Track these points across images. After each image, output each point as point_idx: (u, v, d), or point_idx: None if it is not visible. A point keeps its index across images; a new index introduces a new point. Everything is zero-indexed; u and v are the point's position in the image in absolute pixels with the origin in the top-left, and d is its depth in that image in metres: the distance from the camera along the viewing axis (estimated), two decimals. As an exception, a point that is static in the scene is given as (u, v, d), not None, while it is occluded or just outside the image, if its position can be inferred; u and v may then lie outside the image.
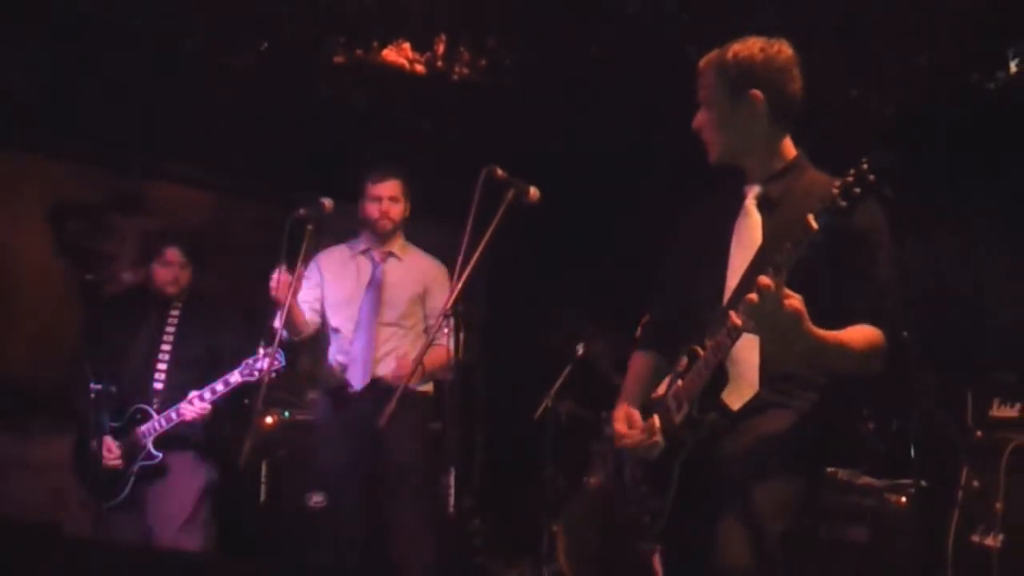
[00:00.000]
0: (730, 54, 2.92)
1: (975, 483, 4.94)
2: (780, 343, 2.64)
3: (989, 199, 5.85)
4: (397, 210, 5.06)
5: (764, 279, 2.52)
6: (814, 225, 2.51)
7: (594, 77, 6.28)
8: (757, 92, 2.92)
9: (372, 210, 5.05)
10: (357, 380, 4.90)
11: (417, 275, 5.10)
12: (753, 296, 2.53)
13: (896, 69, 5.83)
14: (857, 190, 2.45)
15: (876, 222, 2.79)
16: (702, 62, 2.98)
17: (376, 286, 5.01)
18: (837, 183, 2.49)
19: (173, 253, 4.93)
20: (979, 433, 5.09)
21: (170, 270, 4.92)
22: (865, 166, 2.46)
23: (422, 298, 5.09)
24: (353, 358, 4.95)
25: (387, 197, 5.04)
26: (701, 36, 5.24)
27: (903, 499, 5.00)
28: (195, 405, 4.70)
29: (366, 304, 4.99)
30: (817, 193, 2.81)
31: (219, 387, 4.70)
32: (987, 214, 5.91)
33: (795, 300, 2.53)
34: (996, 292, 5.87)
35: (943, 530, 4.92)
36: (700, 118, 3.02)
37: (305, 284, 5.06)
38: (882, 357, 2.78)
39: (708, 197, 3.17)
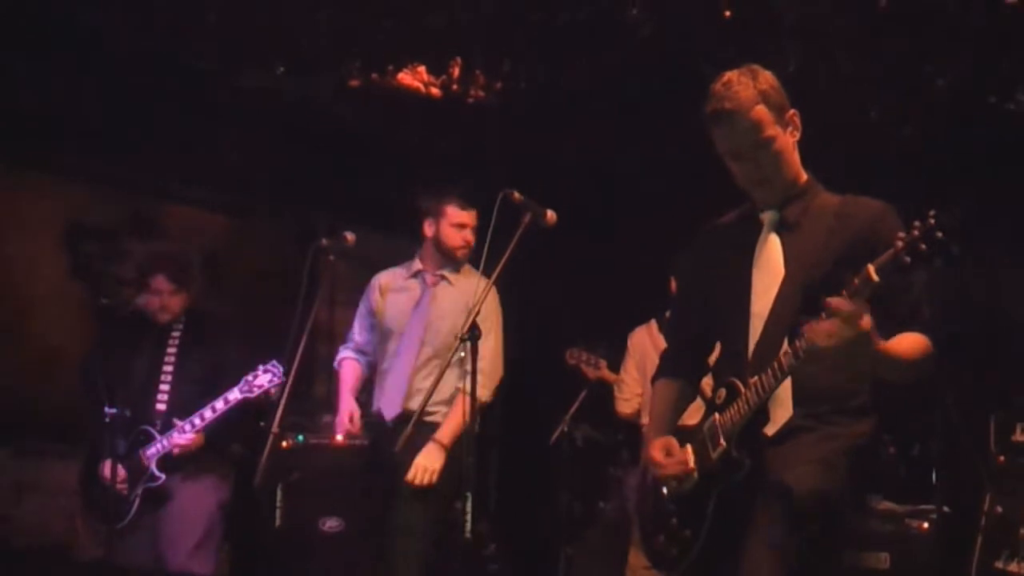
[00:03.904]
0: (762, 84, 2.85)
1: (998, 509, 4.91)
2: (848, 361, 2.61)
3: (1011, 222, 5.81)
4: (472, 238, 4.75)
5: (837, 301, 2.49)
6: (875, 278, 2.46)
7: (609, 100, 6.27)
8: (794, 111, 2.91)
9: (455, 237, 4.75)
10: (389, 411, 4.71)
11: (467, 300, 4.63)
12: (827, 325, 2.50)
13: (915, 91, 5.81)
14: (923, 247, 2.39)
15: None
16: (730, 108, 2.82)
17: (422, 312, 4.78)
18: (901, 235, 2.43)
19: (159, 281, 4.87)
20: (1002, 459, 5.05)
21: (158, 298, 4.87)
22: (932, 221, 2.39)
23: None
24: (385, 387, 4.76)
25: (472, 226, 4.76)
26: (715, 58, 5.28)
27: (925, 525, 4.96)
28: (184, 435, 4.66)
29: (408, 331, 4.77)
30: (831, 215, 2.86)
31: (219, 404, 4.64)
32: (1010, 237, 5.87)
33: (865, 320, 2.50)
34: (1020, 317, 5.83)
35: (966, 556, 4.87)
36: (758, 169, 2.88)
37: (361, 310, 4.99)
38: (931, 363, 2.75)
39: (719, 226, 3.15)
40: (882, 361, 2.62)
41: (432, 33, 5.69)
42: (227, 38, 5.73)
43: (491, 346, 4.71)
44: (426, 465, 4.52)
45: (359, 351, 5.00)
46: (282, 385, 4.46)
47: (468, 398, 3.92)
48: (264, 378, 4.58)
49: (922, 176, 5.91)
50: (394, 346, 4.80)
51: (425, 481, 4.49)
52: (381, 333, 4.88)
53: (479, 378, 4.54)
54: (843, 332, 2.49)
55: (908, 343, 2.71)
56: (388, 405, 4.70)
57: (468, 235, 4.78)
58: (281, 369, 4.47)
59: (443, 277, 4.84)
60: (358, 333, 5.02)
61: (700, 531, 2.86)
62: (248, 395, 4.59)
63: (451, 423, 4.59)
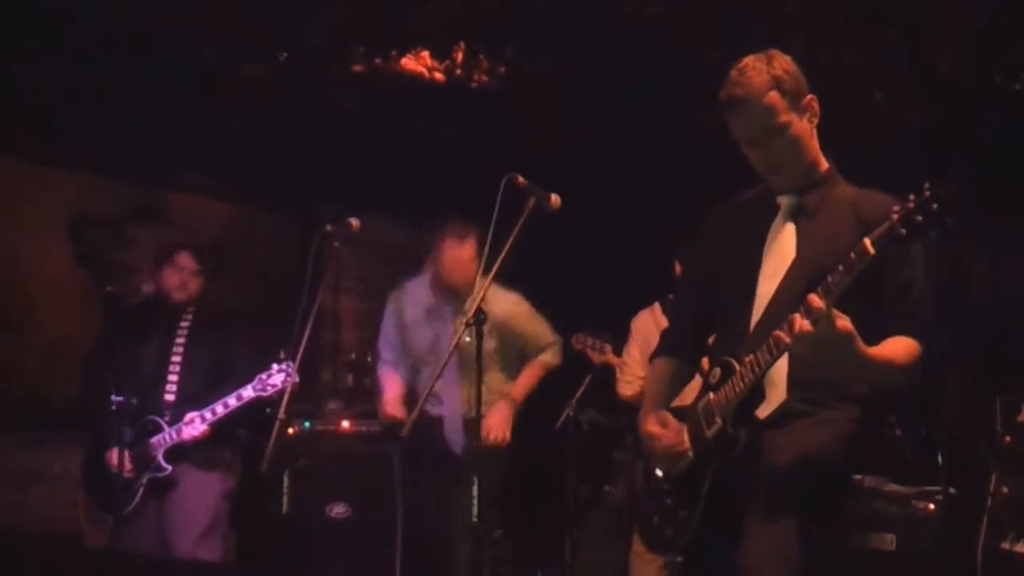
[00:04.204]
0: (776, 70, 2.82)
1: (1004, 490, 4.91)
2: (830, 364, 2.60)
3: (1017, 204, 5.79)
4: (472, 269, 4.87)
5: (816, 300, 2.48)
6: (871, 251, 2.45)
7: (613, 83, 6.25)
8: (812, 96, 2.89)
9: (454, 273, 4.97)
10: (454, 435, 4.96)
11: (490, 327, 4.77)
12: (800, 319, 2.49)
13: (920, 73, 5.78)
14: (919, 218, 2.37)
15: None
16: (742, 95, 2.80)
17: (454, 348, 4.91)
18: (896, 208, 2.42)
19: (184, 258, 4.91)
20: (1007, 439, 5.05)
21: (179, 274, 4.90)
22: (927, 193, 2.38)
23: (504, 343, 5.03)
24: (446, 412, 5.01)
25: (469, 257, 4.92)
26: (722, 42, 5.26)
27: (931, 506, 4.95)
28: (194, 427, 4.68)
29: (446, 374, 4.81)
30: (849, 205, 2.83)
31: (231, 401, 4.66)
32: (1015, 220, 5.86)
33: (845, 321, 2.49)
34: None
35: (972, 538, 4.87)
36: (773, 155, 2.85)
37: (385, 332, 5.19)
38: (920, 368, 2.73)
39: (735, 203, 3.12)
40: (867, 366, 2.60)
41: (435, 18, 5.67)
42: (229, 27, 5.72)
43: (545, 327, 5.14)
44: (499, 422, 4.79)
45: (393, 366, 5.14)
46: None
47: (475, 387, 3.95)
48: (278, 378, 4.59)
49: (928, 160, 5.89)
50: (428, 377, 4.89)
51: (500, 439, 4.61)
52: (411, 361, 5.00)
53: (552, 348, 5.16)
54: (818, 332, 2.48)
55: (896, 348, 2.69)
56: (452, 430, 4.97)
57: (468, 267, 4.89)
58: (293, 367, 4.46)
59: (458, 311, 4.94)
60: (386, 351, 5.19)
61: (695, 512, 2.86)
62: (262, 394, 4.62)
63: (525, 380, 4.99)
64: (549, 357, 5.18)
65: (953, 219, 2.36)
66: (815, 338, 2.49)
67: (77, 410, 5.05)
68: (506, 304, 5.01)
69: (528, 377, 5.13)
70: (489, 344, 4.83)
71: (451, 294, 5.00)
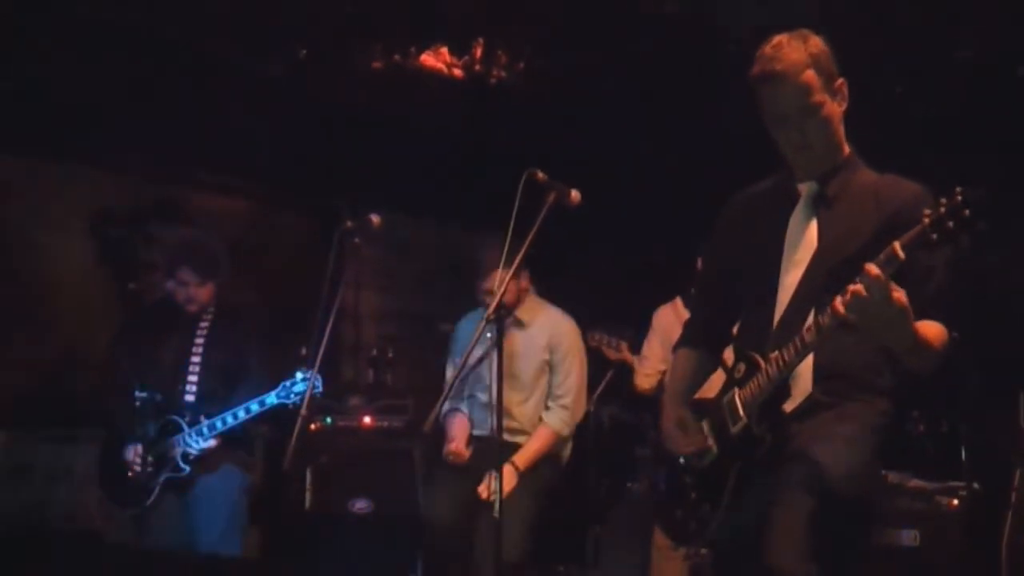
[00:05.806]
0: (812, 48, 2.79)
1: (1028, 485, 4.87)
2: (881, 334, 2.57)
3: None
4: (509, 295, 4.60)
5: (873, 268, 2.44)
6: (901, 255, 2.42)
7: (632, 79, 6.24)
8: (843, 80, 2.86)
9: (482, 298, 4.92)
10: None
11: (541, 341, 4.93)
12: (860, 288, 2.45)
13: (939, 64, 5.75)
14: (950, 224, 2.35)
15: None
16: (780, 69, 2.75)
17: (499, 357, 4.92)
18: (928, 212, 2.39)
19: (184, 273, 4.86)
20: (1031, 435, 5.02)
21: (184, 290, 4.87)
22: (959, 198, 2.35)
23: (548, 364, 4.96)
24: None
25: (487, 290, 4.81)
26: (740, 37, 5.24)
27: (954, 502, 4.93)
28: (214, 433, 4.66)
29: (494, 376, 4.90)
30: (870, 193, 2.82)
31: (254, 407, 4.61)
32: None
33: (901, 294, 2.47)
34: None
35: (996, 533, 4.84)
36: (802, 135, 2.82)
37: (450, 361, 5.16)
38: (949, 352, 2.71)
39: (753, 192, 3.10)
40: (915, 343, 2.57)
41: (454, 14, 5.68)
42: (248, 23, 5.73)
43: (575, 383, 4.95)
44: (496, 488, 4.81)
45: None
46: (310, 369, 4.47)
47: (496, 388, 3.94)
48: (302, 386, 4.54)
49: (946, 153, 5.85)
50: (483, 394, 4.96)
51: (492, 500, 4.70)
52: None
53: (562, 413, 4.92)
54: (874, 298, 2.45)
55: (932, 331, 2.66)
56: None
57: (490, 300, 4.82)
58: (318, 377, 4.40)
59: (516, 321, 4.92)
60: None
61: (720, 506, 2.84)
62: (285, 401, 4.59)
63: (531, 449, 4.82)
64: (558, 424, 4.91)
65: (986, 225, 2.33)
66: (868, 303, 2.45)
67: (98, 406, 5.05)
68: (566, 328, 5.01)
69: (537, 443, 4.87)
70: (532, 361, 4.91)
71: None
